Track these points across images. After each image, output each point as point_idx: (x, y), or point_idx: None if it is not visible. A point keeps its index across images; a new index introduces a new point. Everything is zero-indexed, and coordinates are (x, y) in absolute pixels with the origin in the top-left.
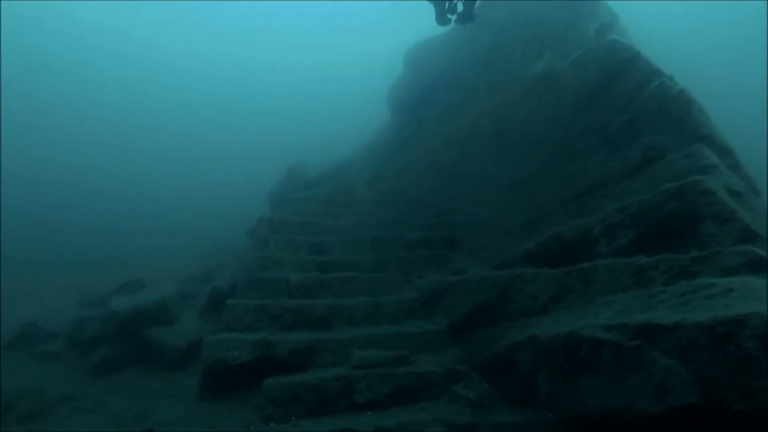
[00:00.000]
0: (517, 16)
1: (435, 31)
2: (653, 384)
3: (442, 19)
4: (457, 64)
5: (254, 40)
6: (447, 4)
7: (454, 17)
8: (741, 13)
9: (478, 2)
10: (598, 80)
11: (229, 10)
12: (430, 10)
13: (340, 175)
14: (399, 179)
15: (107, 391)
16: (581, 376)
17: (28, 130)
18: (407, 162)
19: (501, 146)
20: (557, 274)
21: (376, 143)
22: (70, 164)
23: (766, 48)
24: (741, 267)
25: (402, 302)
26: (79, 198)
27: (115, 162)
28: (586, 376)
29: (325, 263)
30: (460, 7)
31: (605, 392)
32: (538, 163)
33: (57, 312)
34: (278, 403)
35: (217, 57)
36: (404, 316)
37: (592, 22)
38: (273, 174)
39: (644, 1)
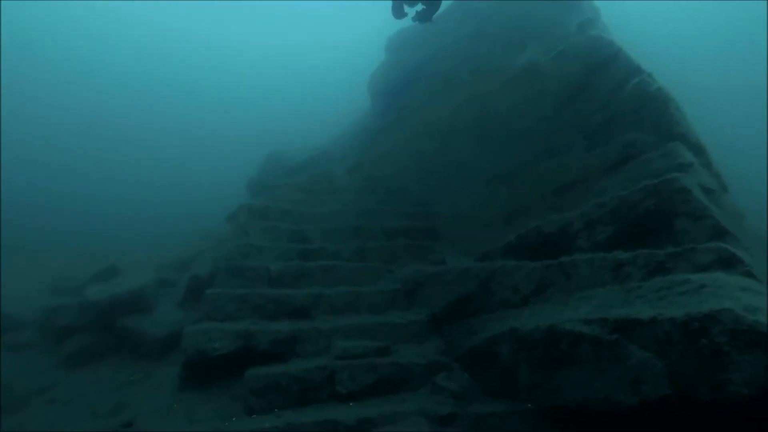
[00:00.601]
0: (501, 8)
1: None
2: (630, 377)
3: (398, 13)
4: (439, 52)
5: (238, 20)
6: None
7: (411, 13)
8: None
9: (439, 8)
10: (580, 76)
11: None
12: None
13: (321, 162)
14: (379, 167)
15: (83, 382)
16: (560, 369)
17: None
18: (388, 150)
19: (482, 137)
20: (538, 267)
21: (357, 130)
22: (42, 145)
23: (766, 48)
24: (713, 263)
25: (383, 292)
26: (55, 180)
27: (91, 144)
28: (565, 368)
29: (307, 251)
30: (419, 6)
31: (583, 385)
32: (519, 155)
33: (27, 299)
34: (260, 395)
35: (200, 37)
36: (386, 306)
37: (574, 17)
38: (254, 160)
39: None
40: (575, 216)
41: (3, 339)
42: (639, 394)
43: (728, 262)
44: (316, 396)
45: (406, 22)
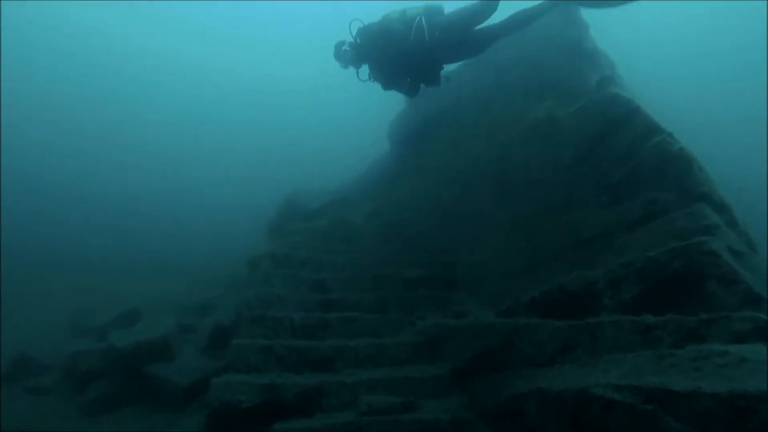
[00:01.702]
0: (520, 59)
1: None
2: None
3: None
4: (459, 101)
5: (257, 46)
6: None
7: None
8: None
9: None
10: (600, 131)
11: (232, 14)
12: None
13: (338, 207)
14: (397, 214)
15: (106, 430)
16: None
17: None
18: (406, 197)
19: (501, 186)
20: (563, 327)
21: (375, 175)
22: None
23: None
24: (750, 333)
25: (405, 345)
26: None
27: (102, 170)
28: None
29: (327, 302)
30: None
31: None
32: (538, 206)
33: (47, 339)
34: None
35: (217, 64)
36: (408, 359)
37: (593, 71)
38: (271, 196)
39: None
40: (599, 274)
41: (29, 383)
42: None
43: (766, 333)
44: None
45: None
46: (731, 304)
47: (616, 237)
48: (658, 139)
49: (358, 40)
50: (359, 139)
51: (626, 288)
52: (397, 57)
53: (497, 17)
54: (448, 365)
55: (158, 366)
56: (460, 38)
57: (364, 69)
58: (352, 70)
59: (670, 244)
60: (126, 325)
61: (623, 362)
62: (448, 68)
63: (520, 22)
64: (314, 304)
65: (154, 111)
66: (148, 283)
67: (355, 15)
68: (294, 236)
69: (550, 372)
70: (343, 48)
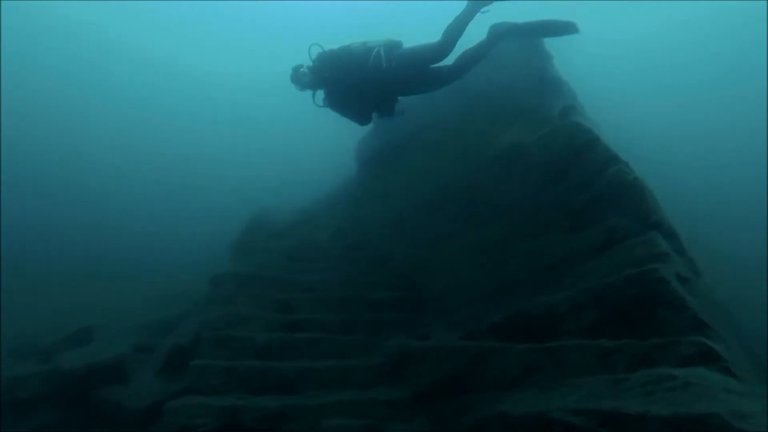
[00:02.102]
0: (488, 86)
1: None
2: None
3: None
4: (429, 124)
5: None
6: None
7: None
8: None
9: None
10: (563, 158)
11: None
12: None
13: (306, 226)
14: (364, 236)
15: None
16: None
17: None
18: (373, 219)
19: (469, 210)
20: (526, 350)
21: (342, 195)
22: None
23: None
24: (695, 357)
25: (370, 367)
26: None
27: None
28: None
29: (292, 322)
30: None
31: None
32: (505, 231)
33: None
34: None
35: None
36: (372, 382)
37: (556, 100)
38: (237, 210)
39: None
40: (562, 299)
41: None
42: None
43: (708, 357)
44: None
45: None
46: (680, 329)
47: (578, 263)
48: (615, 169)
49: (317, 64)
50: (328, 157)
51: (586, 313)
52: (352, 82)
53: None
54: (413, 388)
55: (111, 389)
56: (415, 73)
57: (320, 94)
58: (308, 93)
59: (626, 271)
60: (76, 346)
61: (582, 386)
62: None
63: (469, 60)
64: (279, 324)
65: (118, 111)
66: (103, 299)
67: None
68: (260, 255)
69: (512, 396)
70: (301, 70)
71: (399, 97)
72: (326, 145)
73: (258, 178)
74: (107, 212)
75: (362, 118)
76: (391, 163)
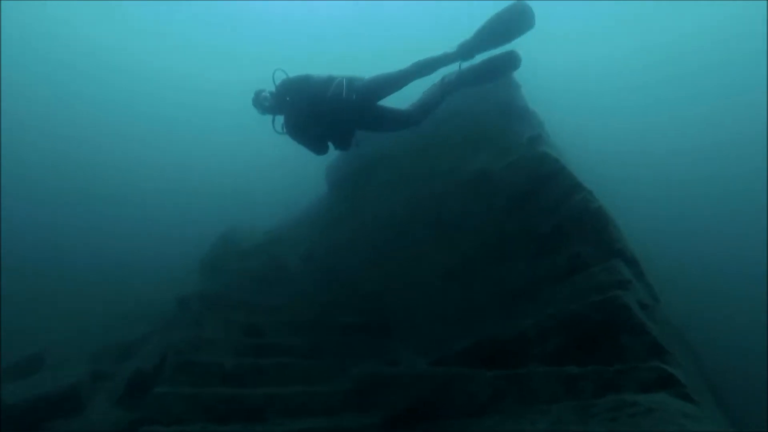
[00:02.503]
0: (456, 112)
1: None
2: None
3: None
4: (398, 146)
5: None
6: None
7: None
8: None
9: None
10: (529, 186)
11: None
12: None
13: (274, 246)
14: (333, 257)
15: None
16: None
17: None
18: (342, 240)
19: (437, 233)
20: (494, 377)
21: (312, 216)
22: None
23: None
24: (655, 383)
25: (338, 393)
26: None
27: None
28: None
29: (260, 347)
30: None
31: None
32: (472, 255)
33: None
34: None
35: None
36: (340, 408)
37: (524, 129)
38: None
39: None
40: (529, 325)
41: None
42: None
43: (668, 382)
44: None
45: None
46: (641, 354)
47: (544, 288)
48: (579, 197)
49: (279, 89)
50: (297, 178)
51: (553, 339)
52: (311, 109)
53: None
54: (382, 414)
55: (64, 421)
56: (373, 108)
57: (280, 120)
58: (268, 118)
59: (591, 298)
60: (23, 375)
61: (550, 412)
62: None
63: (425, 110)
64: (246, 348)
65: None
66: (57, 321)
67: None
68: (227, 276)
69: (482, 422)
70: (262, 95)
71: (356, 131)
72: (294, 165)
73: (227, 194)
74: (75, 219)
75: (318, 148)
76: (360, 185)
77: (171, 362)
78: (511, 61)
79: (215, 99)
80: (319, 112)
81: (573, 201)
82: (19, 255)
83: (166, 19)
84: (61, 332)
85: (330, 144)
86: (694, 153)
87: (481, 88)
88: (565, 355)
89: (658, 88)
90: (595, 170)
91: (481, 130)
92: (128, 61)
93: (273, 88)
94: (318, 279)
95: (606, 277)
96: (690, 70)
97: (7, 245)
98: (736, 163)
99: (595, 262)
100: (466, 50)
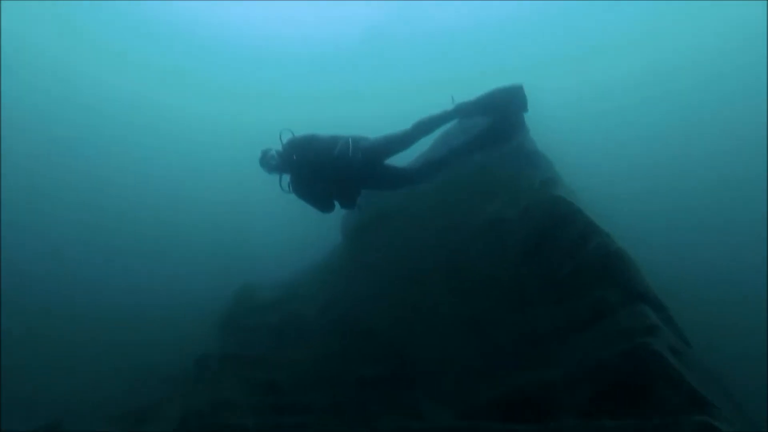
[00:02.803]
0: (468, 162)
1: None
2: None
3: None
4: (412, 195)
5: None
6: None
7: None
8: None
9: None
10: (545, 229)
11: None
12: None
13: (291, 300)
14: (351, 309)
15: None
16: None
17: None
18: (359, 291)
19: (455, 282)
20: (524, 431)
21: (327, 267)
22: None
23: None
24: None
25: None
26: None
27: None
28: None
29: (280, 405)
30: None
31: None
32: (490, 303)
33: None
34: None
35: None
36: None
37: (535, 172)
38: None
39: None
40: (556, 374)
41: None
42: None
43: None
44: None
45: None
46: (680, 406)
47: (568, 335)
48: (597, 240)
49: (285, 148)
50: (313, 229)
51: (582, 389)
52: (318, 168)
53: None
54: None
55: None
56: (379, 167)
57: (287, 178)
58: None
59: (619, 345)
60: None
61: None
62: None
63: (432, 169)
64: (267, 408)
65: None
66: (80, 382)
67: None
68: (245, 333)
69: None
70: (269, 153)
71: (361, 189)
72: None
73: (240, 247)
74: (88, 273)
75: (324, 206)
76: (375, 234)
77: (192, 426)
78: (516, 97)
79: (223, 143)
80: (325, 171)
81: (591, 244)
82: (28, 311)
83: (184, 61)
84: (78, 393)
85: (336, 202)
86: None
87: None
88: (597, 407)
89: (660, 105)
90: (607, 203)
91: (492, 176)
92: (145, 104)
93: (279, 147)
94: (336, 331)
95: (632, 323)
96: (689, 84)
97: (12, 300)
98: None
99: (619, 307)
100: (463, 112)
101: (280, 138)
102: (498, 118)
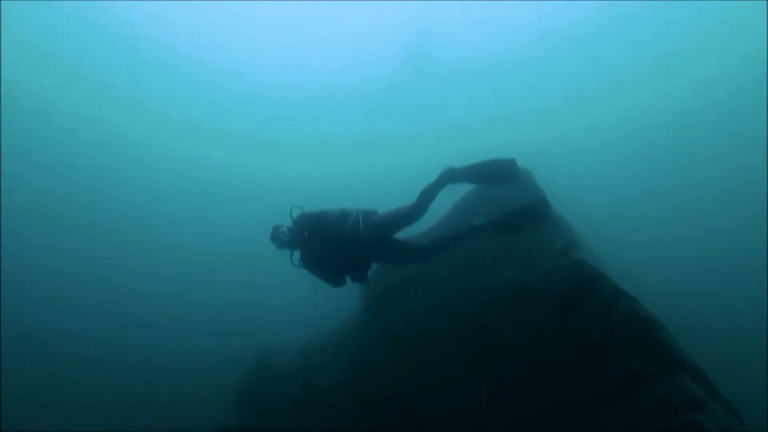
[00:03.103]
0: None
1: None
2: None
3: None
4: (431, 266)
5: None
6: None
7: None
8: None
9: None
10: (569, 295)
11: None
12: None
13: (310, 369)
14: (372, 379)
15: None
16: None
17: None
18: (380, 360)
19: (477, 350)
20: None
21: (346, 334)
22: None
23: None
24: None
25: None
26: None
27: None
28: None
29: None
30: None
31: None
32: (517, 369)
33: None
34: None
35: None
36: None
37: (555, 236)
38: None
39: None
40: None
41: None
42: None
43: None
44: None
45: None
46: None
47: (601, 406)
48: (625, 306)
49: (296, 224)
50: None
51: None
52: (329, 244)
53: None
54: None
55: None
56: (388, 241)
57: (297, 254)
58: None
59: (663, 421)
60: None
61: None
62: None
63: (437, 250)
64: None
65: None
66: None
67: None
68: (265, 403)
69: None
70: (280, 230)
71: (372, 264)
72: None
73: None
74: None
75: (336, 280)
76: (396, 301)
77: None
78: (508, 171)
79: (245, 197)
80: (336, 247)
81: (618, 310)
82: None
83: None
84: None
85: (347, 277)
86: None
87: (508, 199)
88: None
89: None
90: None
91: (512, 244)
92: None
93: (290, 223)
94: (358, 402)
95: (673, 396)
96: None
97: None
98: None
99: (656, 377)
100: (456, 179)
101: (291, 214)
102: (522, 207)
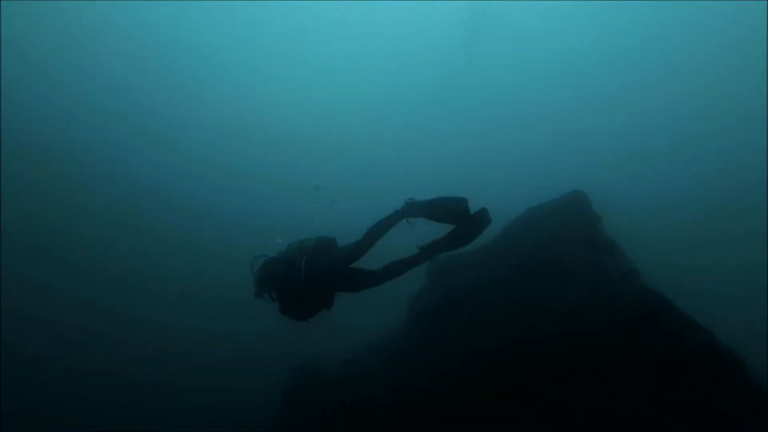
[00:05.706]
0: (539, 244)
1: None
2: None
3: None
4: (481, 281)
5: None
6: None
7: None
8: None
9: None
10: (633, 322)
11: None
12: None
13: (359, 378)
14: (424, 393)
15: None
16: None
17: None
18: (430, 375)
19: (533, 371)
20: None
21: (392, 346)
22: None
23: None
24: None
25: None
26: None
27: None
28: None
29: None
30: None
31: None
32: (577, 397)
33: None
34: None
35: None
36: None
37: (612, 263)
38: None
39: None
40: None
41: None
42: None
43: None
44: None
45: None
46: None
47: None
48: (700, 338)
49: (262, 275)
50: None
51: None
52: (287, 292)
53: None
54: None
55: None
56: (338, 276)
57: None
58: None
59: None
60: None
61: None
62: None
63: (393, 273)
64: None
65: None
66: None
67: None
68: (311, 409)
69: None
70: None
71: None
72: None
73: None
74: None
75: (305, 315)
76: (445, 318)
77: None
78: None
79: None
80: (293, 292)
81: (691, 342)
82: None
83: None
84: None
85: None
86: None
87: (560, 224)
88: None
89: None
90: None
91: (568, 264)
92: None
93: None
94: (409, 413)
95: None
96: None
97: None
98: None
99: (747, 417)
100: (411, 213)
101: (252, 268)
102: (460, 225)
